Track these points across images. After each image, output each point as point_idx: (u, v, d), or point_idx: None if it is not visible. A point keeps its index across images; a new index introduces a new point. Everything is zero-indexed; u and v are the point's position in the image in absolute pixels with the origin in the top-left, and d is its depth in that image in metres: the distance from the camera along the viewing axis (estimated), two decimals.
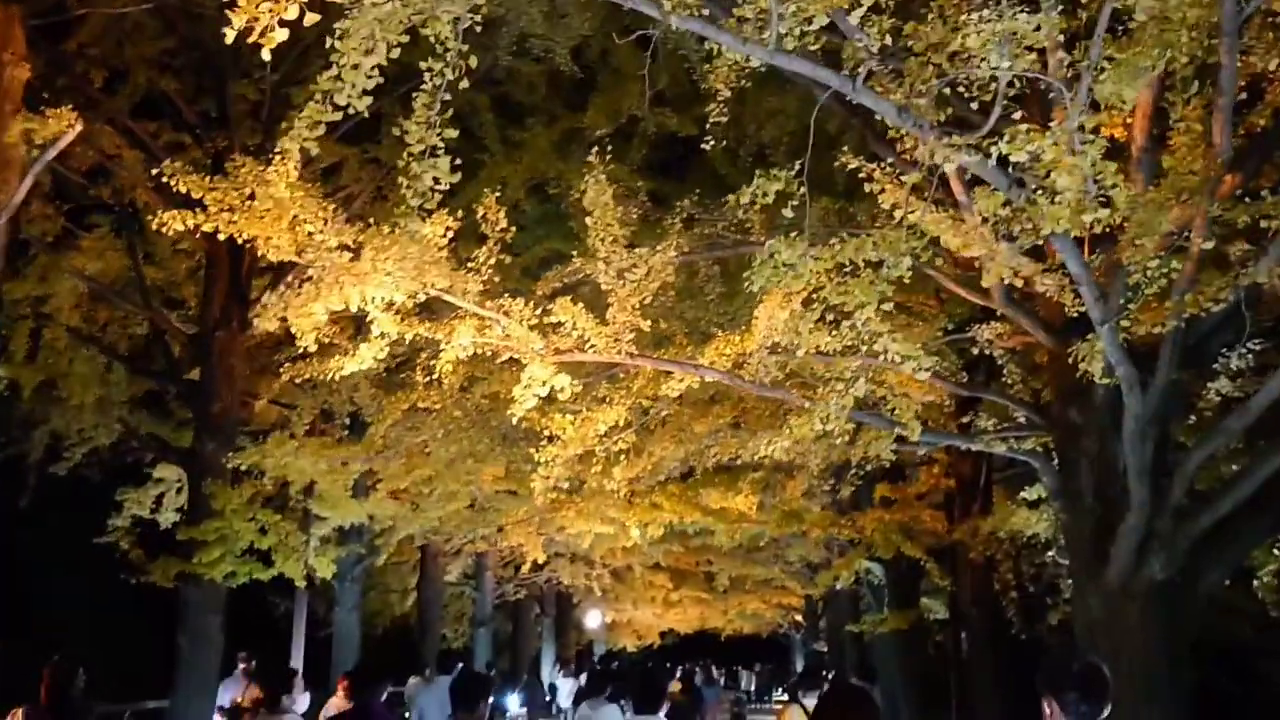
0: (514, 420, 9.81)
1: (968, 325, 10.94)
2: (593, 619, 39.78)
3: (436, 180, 6.02)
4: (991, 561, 15.00)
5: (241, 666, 15.29)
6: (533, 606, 34.50)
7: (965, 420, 11.87)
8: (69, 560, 21.02)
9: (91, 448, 20.03)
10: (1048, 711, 3.95)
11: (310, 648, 21.76)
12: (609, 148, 9.35)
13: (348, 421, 17.49)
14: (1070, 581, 14.22)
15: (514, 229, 8.76)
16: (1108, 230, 6.45)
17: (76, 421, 19.37)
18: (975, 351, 10.57)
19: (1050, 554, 12.40)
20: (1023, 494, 12.20)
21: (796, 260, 6.53)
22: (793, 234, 6.72)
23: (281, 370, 11.10)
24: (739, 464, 17.66)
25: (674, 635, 48.55)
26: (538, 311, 8.11)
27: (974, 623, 15.56)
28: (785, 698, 33.73)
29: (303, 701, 14.16)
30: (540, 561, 26.13)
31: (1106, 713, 3.89)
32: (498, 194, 8.74)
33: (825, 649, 33.59)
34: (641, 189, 12.60)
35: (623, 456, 9.32)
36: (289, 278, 12.79)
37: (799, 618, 41.34)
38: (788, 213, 6.95)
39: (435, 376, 10.07)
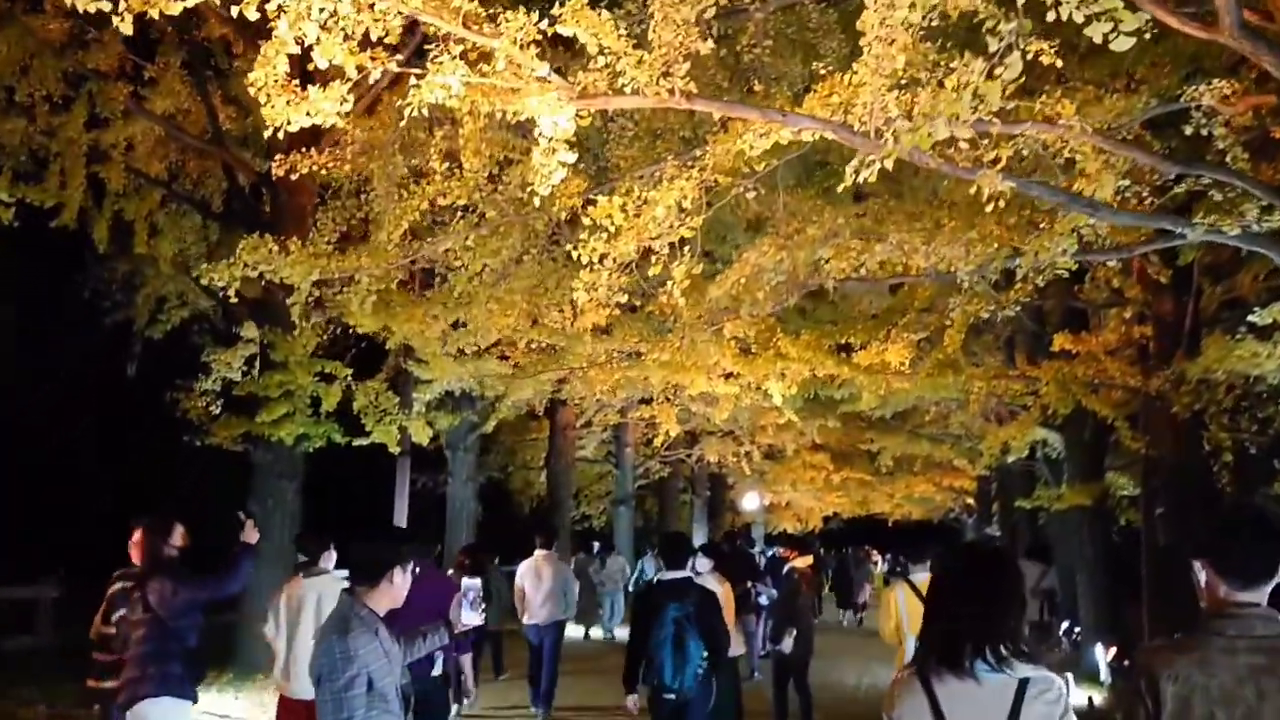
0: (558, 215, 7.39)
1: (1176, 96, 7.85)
2: (750, 501, 37.55)
3: None
4: (1200, 418, 11.88)
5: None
6: (681, 486, 32.53)
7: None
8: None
9: (194, 311, 18.70)
10: (1201, 581, 2.99)
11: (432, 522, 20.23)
12: None
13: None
14: None
15: None
16: None
17: (174, 284, 18.04)
18: (1188, 132, 7.53)
19: None
20: (1251, 317, 9.09)
21: None
22: None
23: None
24: (880, 307, 14.96)
25: (838, 520, 46.04)
26: (541, 24, 5.51)
27: (1178, 494, 12.49)
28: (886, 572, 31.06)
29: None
30: (674, 435, 23.99)
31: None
32: None
33: (998, 533, 30.55)
34: None
35: (687, 251, 6.71)
36: None
37: (971, 501, 38.15)
38: None
39: (455, 164, 7.66)
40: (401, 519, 17.35)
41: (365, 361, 17.54)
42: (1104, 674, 14.89)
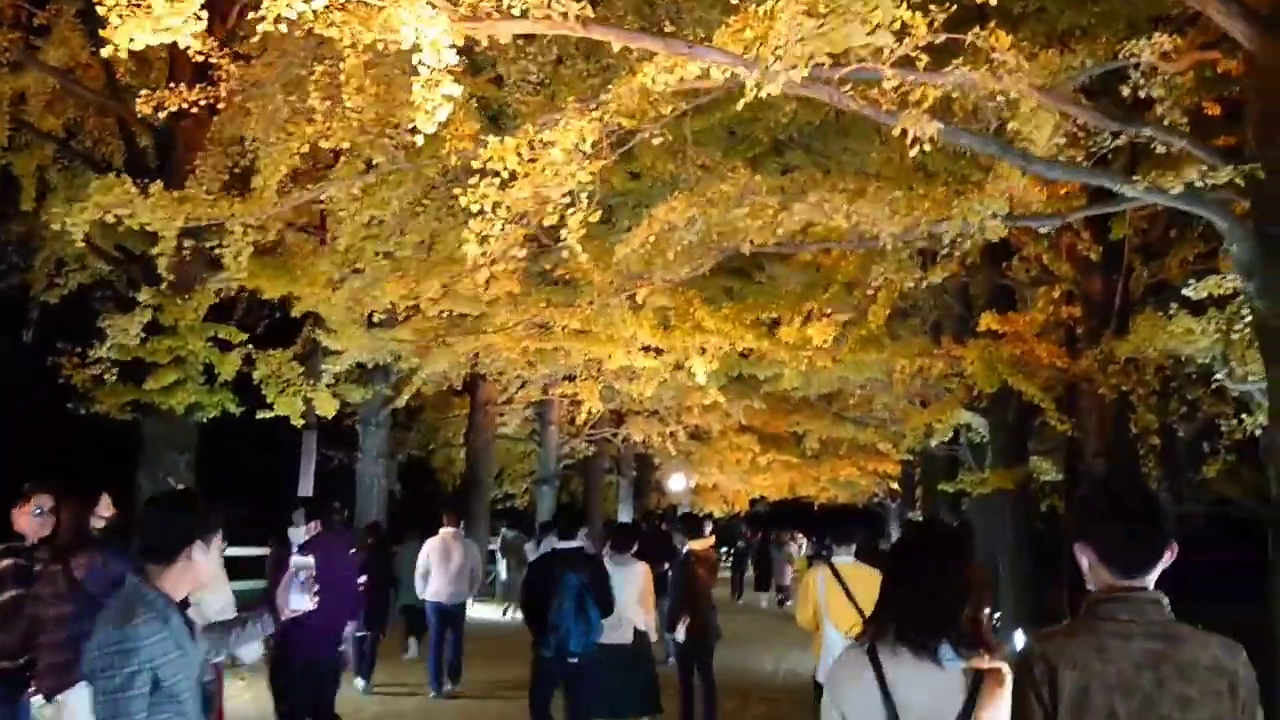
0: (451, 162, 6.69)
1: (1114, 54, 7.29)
2: (676, 482, 37.04)
3: None
4: (1127, 400, 11.45)
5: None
6: (607, 467, 31.88)
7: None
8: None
9: (95, 276, 17.61)
10: (1085, 562, 2.75)
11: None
12: None
13: None
14: (1241, 421, 10.69)
15: None
16: None
17: (72, 247, 16.94)
18: (1125, 94, 6.98)
19: (1220, 378, 8.83)
20: (1186, 290, 8.58)
21: None
22: None
23: None
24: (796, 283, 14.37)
25: (764, 503, 45.73)
26: None
27: (1100, 479, 12.07)
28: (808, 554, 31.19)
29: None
30: (598, 413, 23.35)
31: (1165, 564, 2.67)
32: None
33: (920, 517, 30.35)
34: None
35: (587, 200, 6.02)
36: None
37: (895, 486, 38.00)
38: None
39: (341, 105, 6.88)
40: (306, 493, 16.52)
41: (281, 332, 16.65)
42: None
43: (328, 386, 15.98)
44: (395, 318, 15.63)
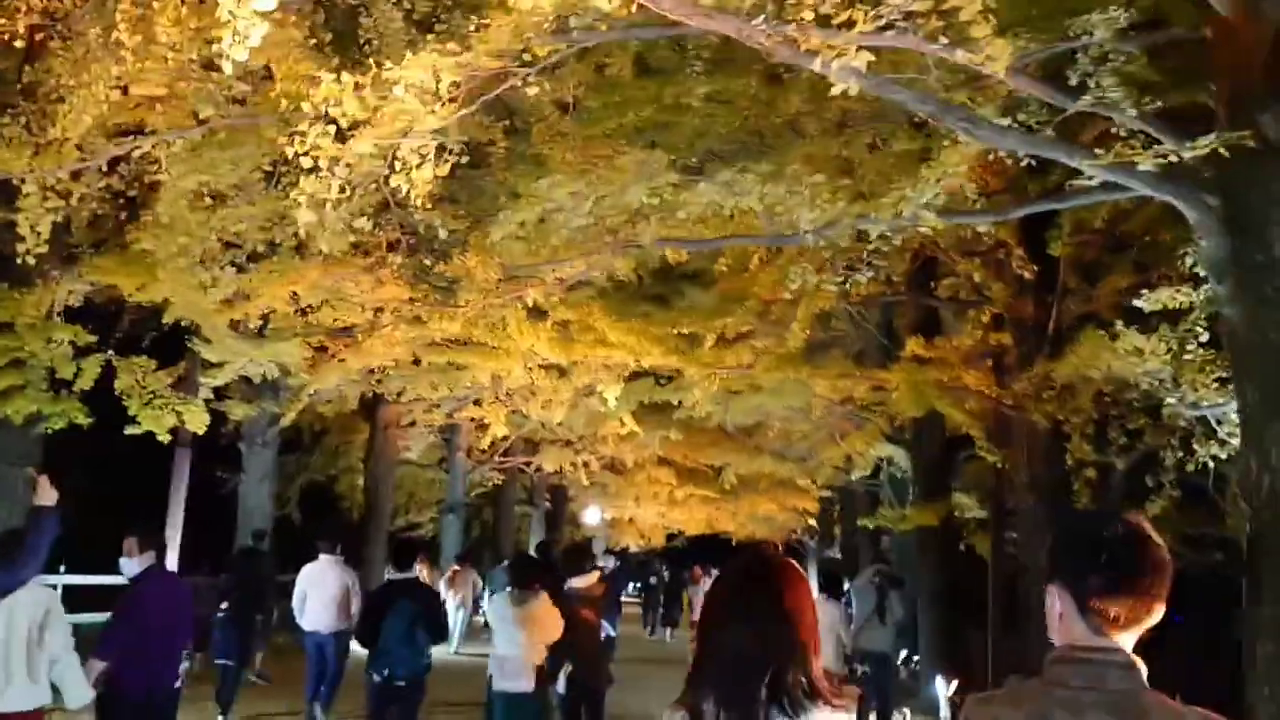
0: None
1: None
2: (591, 515, 35.81)
3: None
4: (1060, 430, 10.50)
5: None
6: (520, 497, 30.54)
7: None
8: None
9: None
10: (1056, 609, 2.22)
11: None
12: None
13: None
14: (1190, 453, 9.67)
15: None
16: None
17: None
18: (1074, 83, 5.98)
19: (1171, 403, 7.81)
20: (1138, 302, 7.56)
21: None
22: None
23: None
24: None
25: (682, 538, 44.68)
26: None
27: (1030, 515, 11.09)
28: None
29: None
30: (506, 438, 22.12)
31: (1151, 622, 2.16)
32: None
33: (840, 555, 29.44)
34: None
35: (440, 153, 4.85)
36: None
37: (814, 522, 37.11)
38: None
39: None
40: (176, 519, 14.97)
41: (169, 345, 15.17)
42: (944, 709, 13.49)
43: (206, 401, 14.51)
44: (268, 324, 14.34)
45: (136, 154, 6.26)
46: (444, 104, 4.89)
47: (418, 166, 4.92)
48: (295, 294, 10.98)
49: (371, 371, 15.76)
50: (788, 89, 7.07)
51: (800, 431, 21.25)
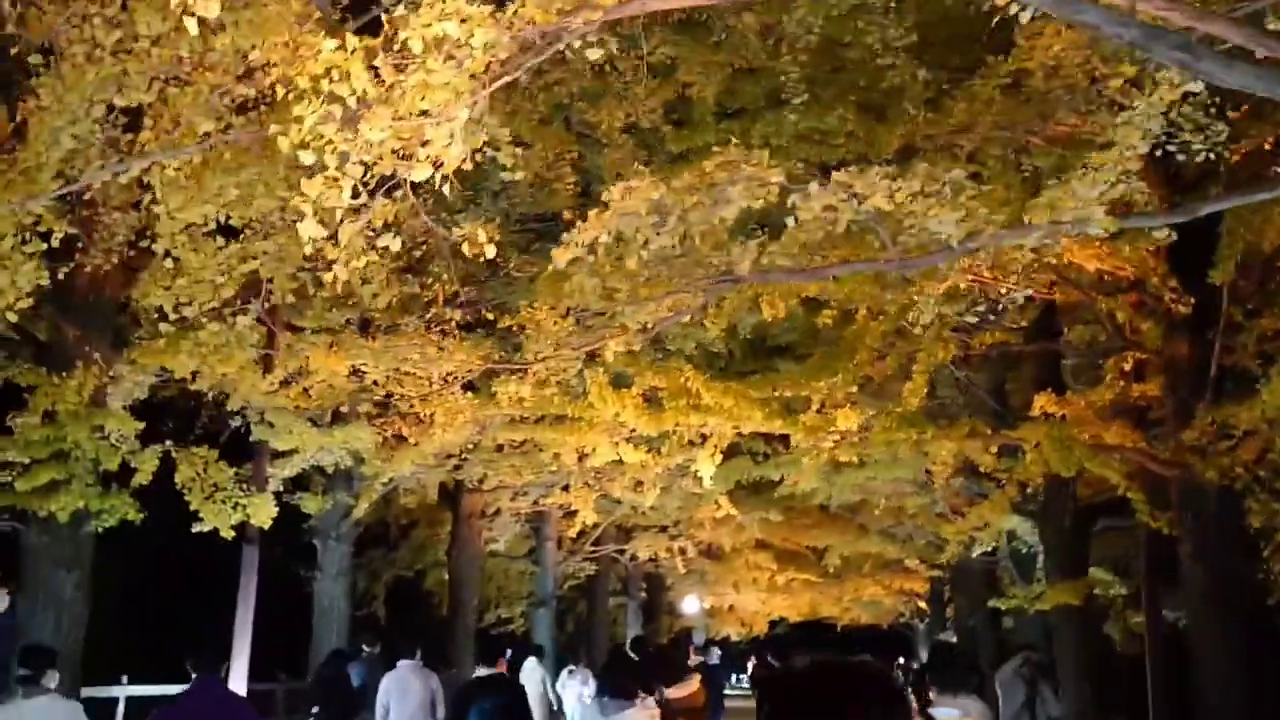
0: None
1: None
2: (689, 604, 34.16)
3: None
4: (1231, 491, 8.87)
5: None
6: (614, 588, 29.08)
7: None
8: None
9: None
10: None
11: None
12: None
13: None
14: None
15: None
16: None
17: None
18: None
19: None
20: None
21: None
22: None
23: None
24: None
25: (784, 624, 42.65)
26: None
27: (1199, 588, 9.38)
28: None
29: None
30: (597, 526, 20.85)
31: None
32: None
33: (954, 638, 27.31)
34: None
35: (467, 133, 3.66)
36: None
37: (923, 604, 34.94)
38: None
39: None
40: (245, 622, 13.83)
41: (242, 439, 14.26)
42: None
43: (277, 494, 13.49)
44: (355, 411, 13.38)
45: (123, 179, 5.19)
46: (477, 79, 3.69)
47: (446, 146, 3.71)
48: (357, 370, 9.88)
49: (449, 457, 14.69)
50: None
51: (909, 507, 19.68)
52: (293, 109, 3.53)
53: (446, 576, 22.85)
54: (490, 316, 8.16)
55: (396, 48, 3.65)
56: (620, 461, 11.79)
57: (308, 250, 4.06)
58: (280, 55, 4.05)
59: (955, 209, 4.79)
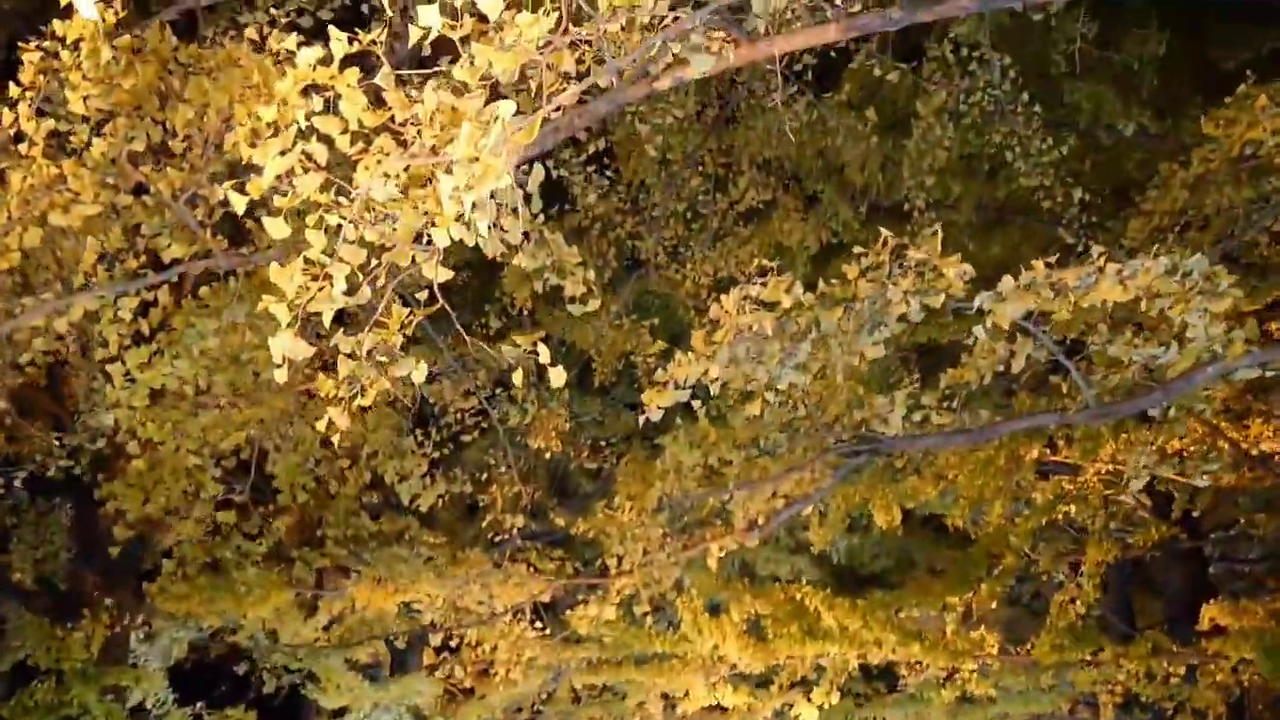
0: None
1: None
2: None
3: None
4: None
5: None
6: None
7: None
8: None
9: None
10: None
11: None
12: None
13: None
14: None
15: None
16: None
17: None
18: None
19: None
20: None
21: None
22: None
23: None
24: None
25: None
26: None
27: None
28: None
29: None
30: None
31: None
32: None
33: None
34: None
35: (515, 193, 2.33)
36: None
37: None
38: None
39: None
40: None
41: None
42: None
43: None
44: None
45: (63, 326, 3.87)
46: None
47: (498, 216, 2.36)
48: (409, 607, 8.37)
49: (519, 710, 12.80)
50: None
51: None
52: (252, 154, 2.28)
53: None
54: (560, 522, 6.69)
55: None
56: (717, 708, 9.92)
57: (281, 377, 2.66)
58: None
59: (1219, 299, 3.31)
